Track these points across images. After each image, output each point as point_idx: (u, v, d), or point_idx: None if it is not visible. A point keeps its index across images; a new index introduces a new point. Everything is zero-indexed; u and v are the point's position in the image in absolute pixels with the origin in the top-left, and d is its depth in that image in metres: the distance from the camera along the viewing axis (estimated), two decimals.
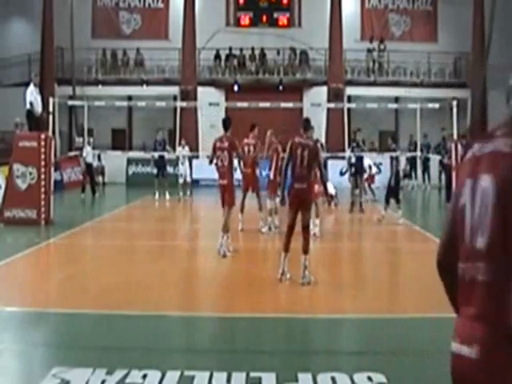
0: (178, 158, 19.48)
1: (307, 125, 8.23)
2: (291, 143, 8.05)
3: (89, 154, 19.82)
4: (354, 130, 17.59)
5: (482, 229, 1.91)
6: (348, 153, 16.78)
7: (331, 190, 16.70)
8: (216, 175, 10.10)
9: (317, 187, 12.59)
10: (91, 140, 21.67)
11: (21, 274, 8.92)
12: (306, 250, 7.93)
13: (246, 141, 12.11)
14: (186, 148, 19.49)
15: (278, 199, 11.63)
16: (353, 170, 16.26)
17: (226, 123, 10.00)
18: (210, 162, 10.20)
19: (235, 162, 10.28)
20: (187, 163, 19.51)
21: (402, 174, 14.28)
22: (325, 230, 12.51)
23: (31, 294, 7.60)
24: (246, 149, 12.01)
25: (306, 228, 8.00)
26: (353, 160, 16.18)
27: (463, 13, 26.26)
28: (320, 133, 21.38)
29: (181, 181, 19.29)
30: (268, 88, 26.09)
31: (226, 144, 9.77)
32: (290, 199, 8.11)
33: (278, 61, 27.25)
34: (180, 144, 19.16)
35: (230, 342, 5.88)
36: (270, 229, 12.12)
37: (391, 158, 14.25)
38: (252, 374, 4.77)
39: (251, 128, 12.25)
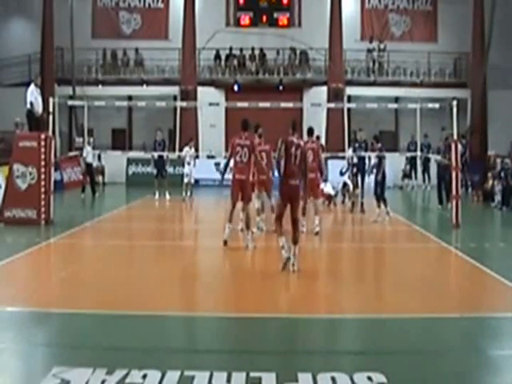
0: (183, 158, 19.43)
1: (295, 126, 9.00)
2: (285, 142, 8.63)
3: (89, 153, 19.82)
4: (356, 129, 17.58)
5: None
6: (350, 152, 16.76)
7: (330, 190, 16.78)
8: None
9: (322, 186, 12.96)
10: (91, 140, 21.67)
11: (21, 274, 8.92)
12: (296, 241, 8.53)
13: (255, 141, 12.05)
14: (193, 148, 19.53)
15: (273, 199, 11.71)
16: (354, 169, 16.27)
17: (245, 124, 10.71)
18: (228, 160, 10.79)
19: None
20: (193, 163, 19.47)
21: (386, 173, 14.66)
22: (325, 230, 12.51)
23: (31, 293, 7.59)
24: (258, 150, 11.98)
25: (295, 221, 8.63)
26: (355, 160, 16.17)
27: (463, 13, 26.29)
28: (320, 133, 21.36)
29: (186, 180, 19.30)
30: (268, 88, 26.10)
31: (247, 142, 10.52)
32: (282, 194, 8.65)
33: (278, 61, 27.25)
34: (187, 144, 19.18)
35: (230, 341, 5.88)
36: (258, 229, 11.95)
37: (377, 157, 14.52)
38: (252, 374, 4.77)
39: (255, 128, 12.21)
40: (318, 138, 13.04)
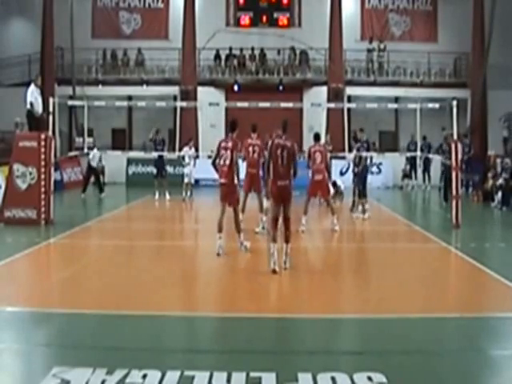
0: (183, 157, 19.42)
1: (285, 126, 8.99)
2: (271, 144, 8.86)
3: (95, 157, 19.84)
4: (356, 129, 17.53)
5: None
6: (354, 153, 16.70)
7: (331, 189, 16.73)
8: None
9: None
10: (91, 140, 21.64)
11: (21, 274, 8.92)
12: (287, 240, 8.74)
13: (249, 141, 12.13)
14: (193, 149, 19.53)
15: (265, 199, 11.85)
16: (356, 170, 16.21)
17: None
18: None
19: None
20: (193, 163, 19.46)
21: (367, 170, 15.35)
22: (324, 230, 12.51)
23: (31, 293, 7.60)
24: (250, 149, 12.05)
25: (287, 220, 8.80)
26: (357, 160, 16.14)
27: (463, 13, 26.28)
28: (320, 133, 21.29)
29: (186, 180, 19.30)
30: (268, 88, 26.09)
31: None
32: (273, 195, 8.85)
33: (278, 61, 27.25)
34: (187, 144, 19.18)
35: (230, 342, 5.87)
36: (263, 228, 12.09)
37: (355, 156, 15.00)
38: (252, 374, 4.77)
39: (253, 128, 12.25)
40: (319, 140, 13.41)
